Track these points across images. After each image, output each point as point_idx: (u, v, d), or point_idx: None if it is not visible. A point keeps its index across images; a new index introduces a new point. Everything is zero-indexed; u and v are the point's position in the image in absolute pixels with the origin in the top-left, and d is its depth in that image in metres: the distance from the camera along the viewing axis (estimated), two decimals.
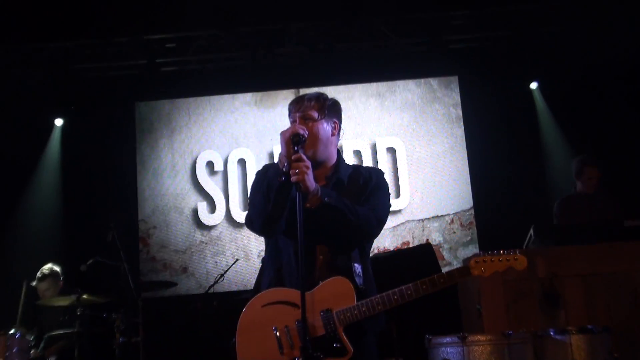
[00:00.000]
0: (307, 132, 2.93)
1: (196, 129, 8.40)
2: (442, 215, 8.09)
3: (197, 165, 8.26)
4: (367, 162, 8.17)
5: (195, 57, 8.17)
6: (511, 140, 8.11)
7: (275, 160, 3.13)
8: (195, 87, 8.36)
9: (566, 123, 8.13)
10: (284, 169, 2.84)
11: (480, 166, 8.13)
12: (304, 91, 8.03)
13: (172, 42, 8.06)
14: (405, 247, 7.74)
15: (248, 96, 8.43)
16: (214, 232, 8.13)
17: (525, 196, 7.85)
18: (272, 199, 2.89)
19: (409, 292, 2.86)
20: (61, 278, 6.59)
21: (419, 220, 8.08)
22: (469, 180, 8.15)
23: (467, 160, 8.20)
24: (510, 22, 8.01)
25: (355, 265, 2.99)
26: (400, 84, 8.45)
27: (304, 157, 2.83)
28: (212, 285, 6.89)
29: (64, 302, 5.99)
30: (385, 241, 7.90)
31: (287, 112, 3.16)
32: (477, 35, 8.21)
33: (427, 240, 7.86)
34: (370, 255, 3.24)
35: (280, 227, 2.96)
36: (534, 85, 8.45)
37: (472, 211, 8.08)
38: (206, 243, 8.13)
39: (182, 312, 7.08)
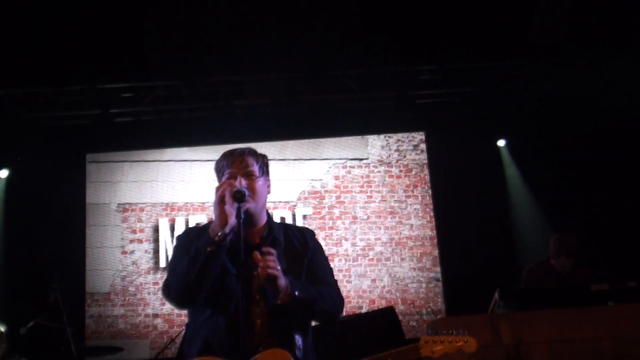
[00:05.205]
0: (247, 190, 2.76)
1: (150, 182, 8.07)
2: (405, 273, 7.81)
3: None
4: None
5: (151, 108, 7.92)
6: (479, 198, 7.90)
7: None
8: (150, 139, 8.11)
9: (533, 181, 8.00)
10: (216, 238, 2.63)
11: (447, 223, 7.92)
12: (264, 145, 7.92)
13: (128, 92, 7.82)
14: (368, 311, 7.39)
15: (207, 149, 8.12)
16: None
17: (493, 256, 7.57)
18: (197, 270, 2.66)
19: None
20: (5, 339, 6.03)
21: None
22: (435, 239, 7.92)
23: (433, 218, 7.97)
24: (478, 78, 7.95)
25: (297, 336, 2.76)
26: (366, 139, 8.26)
27: (273, 250, 2.65)
28: (162, 350, 6.48)
29: None
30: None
31: None
32: (444, 90, 8.08)
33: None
34: None
35: (199, 299, 2.75)
36: (501, 143, 8.30)
37: (439, 270, 7.82)
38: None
39: None
